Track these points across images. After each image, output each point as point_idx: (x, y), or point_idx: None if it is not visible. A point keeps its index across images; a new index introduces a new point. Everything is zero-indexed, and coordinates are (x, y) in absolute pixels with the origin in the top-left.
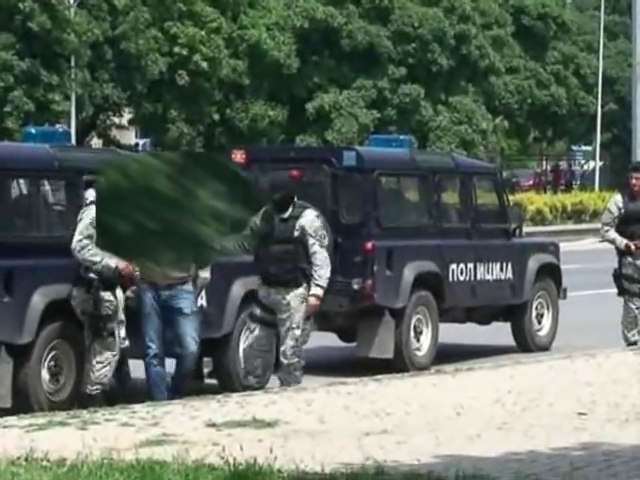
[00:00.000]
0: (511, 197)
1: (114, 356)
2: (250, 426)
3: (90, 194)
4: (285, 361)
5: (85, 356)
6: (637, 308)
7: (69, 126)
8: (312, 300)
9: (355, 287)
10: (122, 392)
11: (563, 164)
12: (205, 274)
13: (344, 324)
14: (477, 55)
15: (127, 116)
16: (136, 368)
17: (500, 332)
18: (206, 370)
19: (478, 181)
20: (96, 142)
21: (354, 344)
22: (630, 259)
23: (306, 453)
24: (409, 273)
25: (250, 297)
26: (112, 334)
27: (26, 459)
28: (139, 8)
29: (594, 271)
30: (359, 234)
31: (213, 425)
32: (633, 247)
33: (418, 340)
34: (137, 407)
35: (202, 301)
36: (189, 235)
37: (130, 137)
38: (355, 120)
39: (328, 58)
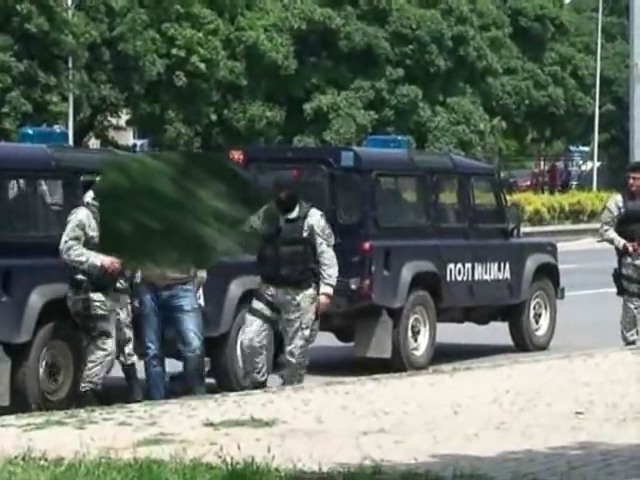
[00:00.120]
0: (509, 197)
1: (106, 356)
2: (248, 425)
3: (88, 196)
4: (293, 360)
5: (82, 356)
6: (636, 308)
7: (67, 127)
8: (323, 299)
9: (353, 287)
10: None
11: (560, 164)
12: (202, 273)
13: (342, 324)
14: (475, 56)
15: (125, 117)
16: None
17: (498, 332)
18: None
19: (476, 181)
20: (94, 143)
21: (352, 344)
22: (630, 259)
23: (304, 452)
24: (407, 273)
25: (248, 296)
26: (104, 334)
27: (24, 458)
28: (136, 10)
29: (592, 271)
30: (357, 234)
31: (211, 424)
32: (631, 248)
33: (416, 340)
34: (135, 406)
35: (200, 300)
36: (192, 236)
37: (128, 138)
38: (353, 121)
39: (326, 59)
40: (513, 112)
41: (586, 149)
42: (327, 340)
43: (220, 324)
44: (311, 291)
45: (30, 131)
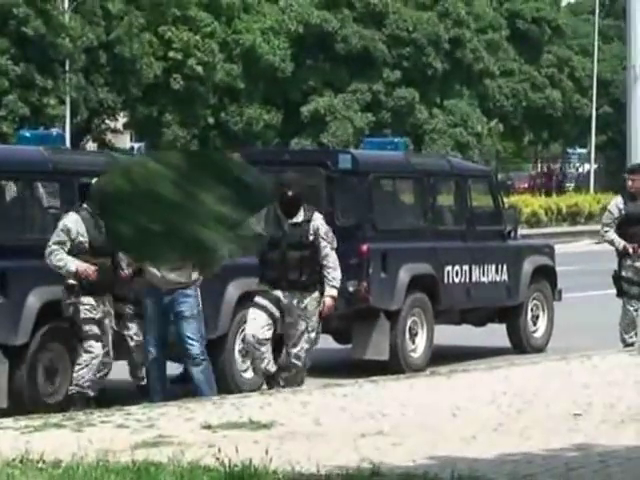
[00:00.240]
0: (506, 199)
1: (92, 359)
2: (246, 428)
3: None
4: (299, 363)
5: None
6: (635, 310)
7: (64, 130)
8: (328, 301)
9: (350, 289)
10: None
11: (555, 167)
12: (196, 275)
13: (340, 326)
14: (472, 59)
15: (122, 120)
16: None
17: (495, 334)
18: None
19: (473, 183)
20: (91, 146)
21: (350, 346)
22: (630, 261)
23: (302, 454)
24: (404, 275)
25: (245, 298)
26: (92, 337)
27: (21, 461)
28: (133, 13)
29: (589, 273)
30: (354, 237)
31: (209, 427)
32: (631, 250)
33: (413, 342)
34: (132, 409)
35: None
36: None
37: (125, 141)
38: (350, 123)
39: (323, 62)
40: (510, 114)
41: (583, 151)
42: (325, 342)
43: (217, 326)
44: (317, 294)
45: (27, 134)
